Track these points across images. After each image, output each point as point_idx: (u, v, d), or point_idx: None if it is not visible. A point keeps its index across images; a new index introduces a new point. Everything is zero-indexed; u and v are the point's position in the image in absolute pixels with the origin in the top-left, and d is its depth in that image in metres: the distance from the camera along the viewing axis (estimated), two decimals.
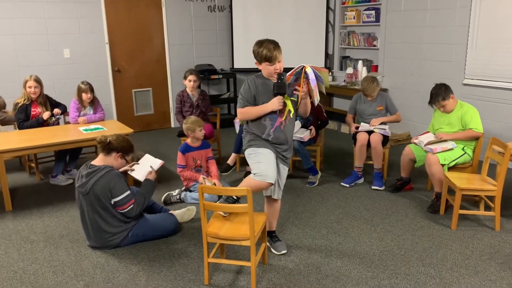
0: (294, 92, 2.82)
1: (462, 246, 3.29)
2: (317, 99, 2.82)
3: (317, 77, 2.76)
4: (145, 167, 3.56)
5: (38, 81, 4.71)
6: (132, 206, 3.21)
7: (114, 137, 3.28)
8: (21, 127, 4.70)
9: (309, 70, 2.72)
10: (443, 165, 3.81)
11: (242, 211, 2.68)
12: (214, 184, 4.09)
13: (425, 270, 2.96)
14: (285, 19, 7.29)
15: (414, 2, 5.84)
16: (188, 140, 4.28)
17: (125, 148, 3.33)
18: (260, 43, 2.83)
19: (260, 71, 2.92)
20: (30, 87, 4.66)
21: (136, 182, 3.62)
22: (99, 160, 3.27)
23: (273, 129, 2.89)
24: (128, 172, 3.49)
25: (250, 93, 2.89)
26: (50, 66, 6.27)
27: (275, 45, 2.81)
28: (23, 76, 4.87)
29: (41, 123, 4.73)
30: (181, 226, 3.63)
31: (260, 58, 2.83)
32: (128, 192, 3.21)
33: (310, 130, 4.60)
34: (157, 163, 3.61)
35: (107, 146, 3.24)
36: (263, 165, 2.83)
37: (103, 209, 3.17)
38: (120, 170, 3.36)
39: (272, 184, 2.85)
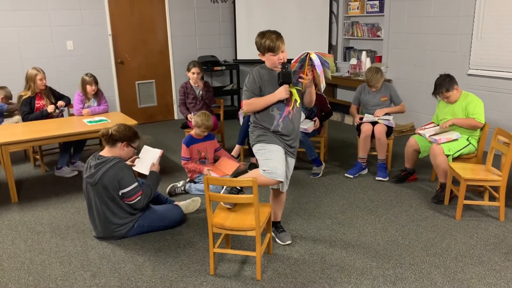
0: (299, 79, 2.80)
1: (466, 236, 3.29)
2: (323, 85, 2.78)
3: (323, 63, 2.72)
4: (147, 159, 3.56)
5: (44, 72, 4.78)
6: (140, 197, 3.23)
7: (115, 128, 3.27)
8: (25, 119, 4.72)
9: (314, 57, 2.69)
10: (447, 155, 3.81)
11: (247, 201, 2.69)
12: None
13: (429, 260, 2.98)
14: (289, 10, 7.24)
15: None
16: (192, 132, 4.29)
17: (129, 137, 3.32)
18: (262, 34, 2.82)
19: (263, 62, 2.91)
20: (41, 79, 4.72)
21: (141, 174, 3.63)
22: (107, 152, 3.28)
23: (282, 118, 2.88)
24: (132, 168, 3.51)
25: (255, 84, 2.88)
26: (53, 58, 6.27)
27: (277, 35, 2.80)
28: (26, 68, 4.89)
29: (46, 116, 4.75)
30: (186, 217, 3.65)
31: (263, 49, 2.82)
32: (136, 183, 3.23)
33: (314, 121, 4.60)
34: (156, 154, 3.60)
35: (111, 138, 3.24)
36: (273, 162, 2.83)
37: (110, 200, 3.19)
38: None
39: (281, 181, 2.87)
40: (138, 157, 3.57)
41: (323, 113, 4.76)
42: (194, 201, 3.79)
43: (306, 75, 2.74)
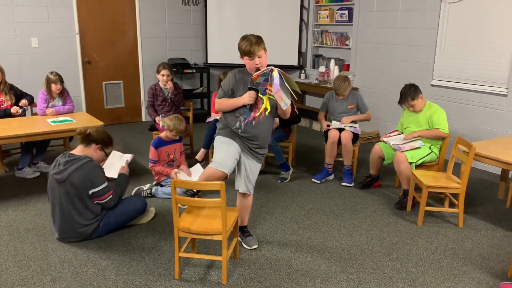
0: (265, 91, 2.82)
1: (427, 241, 3.39)
2: (284, 103, 2.75)
3: (282, 82, 2.70)
4: (116, 163, 3.56)
5: None
6: (111, 196, 3.22)
7: (94, 129, 3.28)
8: None
9: (275, 74, 2.69)
10: (410, 163, 3.92)
11: (214, 205, 2.68)
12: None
13: (392, 265, 3.05)
14: (260, 16, 7.29)
15: (386, 3, 5.97)
16: (162, 135, 4.23)
17: (105, 141, 3.32)
18: (243, 37, 2.85)
19: (232, 67, 2.94)
20: None
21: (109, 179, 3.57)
22: (79, 151, 3.24)
23: (244, 122, 2.91)
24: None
25: (229, 85, 2.92)
26: (17, 55, 6.06)
27: (257, 39, 2.82)
28: None
29: (8, 114, 4.58)
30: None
31: (241, 52, 2.85)
32: (106, 183, 3.21)
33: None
34: (126, 157, 3.61)
35: (87, 137, 3.22)
36: (220, 154, 2.89)
37: (78, 198, 3.12)
38: None
39: (226, 174, 2.88)
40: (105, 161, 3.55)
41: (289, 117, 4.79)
42: (149, 212, 3.67)
43: (272, 86, 2.75)
